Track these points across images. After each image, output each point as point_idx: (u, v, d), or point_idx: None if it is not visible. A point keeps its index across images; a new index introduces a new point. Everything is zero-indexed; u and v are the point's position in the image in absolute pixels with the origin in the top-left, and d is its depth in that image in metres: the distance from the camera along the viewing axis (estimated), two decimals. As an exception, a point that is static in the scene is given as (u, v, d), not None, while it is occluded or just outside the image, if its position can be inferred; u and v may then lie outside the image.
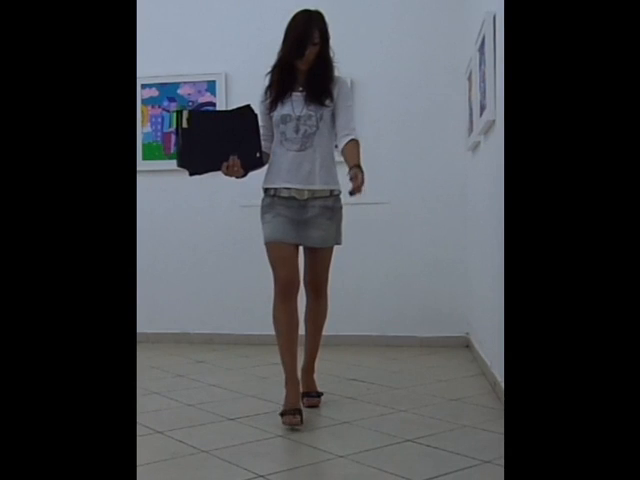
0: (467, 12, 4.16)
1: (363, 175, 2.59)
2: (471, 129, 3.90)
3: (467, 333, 4.38)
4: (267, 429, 2.55)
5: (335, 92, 2.79)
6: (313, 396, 2.94)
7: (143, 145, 4.81)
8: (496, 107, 2.94)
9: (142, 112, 4.83)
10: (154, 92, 4.81)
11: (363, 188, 2.55)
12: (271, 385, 3.24)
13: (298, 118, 2.76)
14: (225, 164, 2.63)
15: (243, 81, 4.57)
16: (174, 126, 2.48)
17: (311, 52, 2.71)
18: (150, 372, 3.72)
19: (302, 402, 2.81)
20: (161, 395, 3.18)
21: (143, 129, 4.82)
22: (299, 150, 2.76)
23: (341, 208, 2.84)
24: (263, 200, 2.84)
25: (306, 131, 2.76)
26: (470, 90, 3.90)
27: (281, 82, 2.82)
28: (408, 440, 2.40)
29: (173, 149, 4.49)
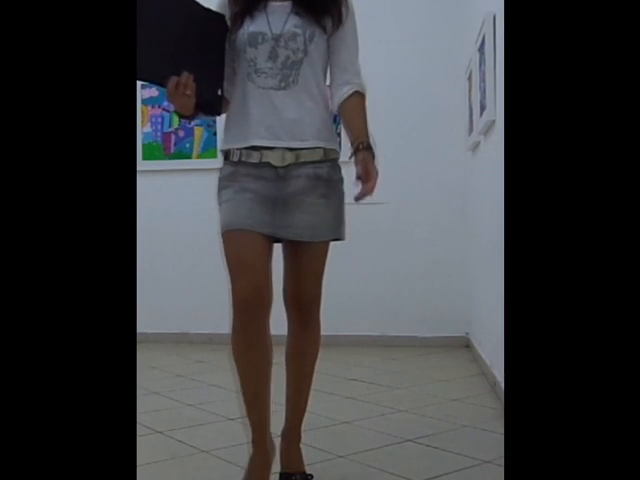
0: (467, 12, 4.16)
1: (376, 167, 1.77)
2: (471, 129, 3.90)
3: (467, 333, 4.38)
4: (267, 429, 2.54)
5: (343, 14, 1.91)
6: None
7: (143, 145, 4.81)
8: (496, 107, 2.94)
9: (142, 112, 4.83)
10: (154, 92, 4.81)
11: (375, 189, 1.76)
12: (271, 385, 3.23)
13: (276, 38, 1.79)
14: (175, 79, 1.69)
15: (243, 81, 4.57)
16: None
17: None
18: (150, 372, 3.72)
19: None
20: (161, 395, 3.18)
21: (143, 129, 4.82)
22: (278, 88, 1.80)
23: (342, 181, 1.89)
24: (222, 169, 1.89)
25: (288, 58, 1.79)
26: (470, 90, 3.90)
27: None
28: (408, 440, 2.40)
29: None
